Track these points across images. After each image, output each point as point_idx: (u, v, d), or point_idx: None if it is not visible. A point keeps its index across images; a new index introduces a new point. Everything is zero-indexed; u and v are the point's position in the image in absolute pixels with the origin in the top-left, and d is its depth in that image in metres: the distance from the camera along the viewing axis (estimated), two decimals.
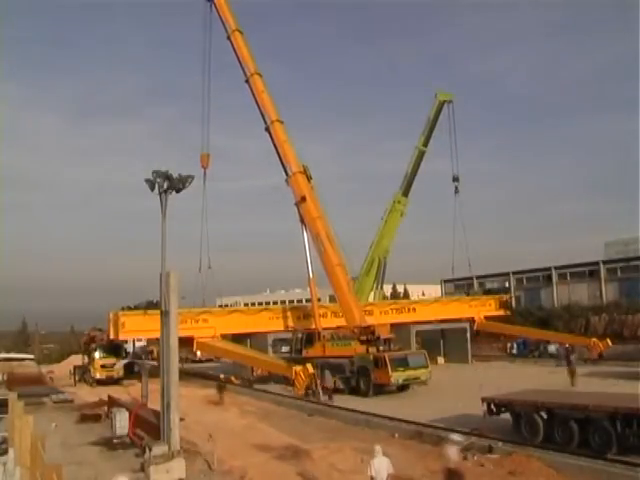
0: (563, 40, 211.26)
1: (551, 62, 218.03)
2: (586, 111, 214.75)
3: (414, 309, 50.05)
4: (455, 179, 54.47)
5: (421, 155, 52.84)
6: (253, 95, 40.63)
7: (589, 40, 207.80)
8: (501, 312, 52.92)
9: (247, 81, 40.98)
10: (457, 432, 15.88)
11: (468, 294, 63.99)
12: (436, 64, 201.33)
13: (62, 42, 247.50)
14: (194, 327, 39.62)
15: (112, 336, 39.77)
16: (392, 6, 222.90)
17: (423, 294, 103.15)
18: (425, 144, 52.92)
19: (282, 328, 42.45)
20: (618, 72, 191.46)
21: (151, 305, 34.53)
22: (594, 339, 42.67)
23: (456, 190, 54.32)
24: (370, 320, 42.35)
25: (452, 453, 10.53)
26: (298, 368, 30.61)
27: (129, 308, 61.50)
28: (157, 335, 19.56)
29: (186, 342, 38.76)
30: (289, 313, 43.56)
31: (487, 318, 51.70)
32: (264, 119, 40.32)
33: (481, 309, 52.42)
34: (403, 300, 67.44)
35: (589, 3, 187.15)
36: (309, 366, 30.63)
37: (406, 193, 52.28)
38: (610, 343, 42.27)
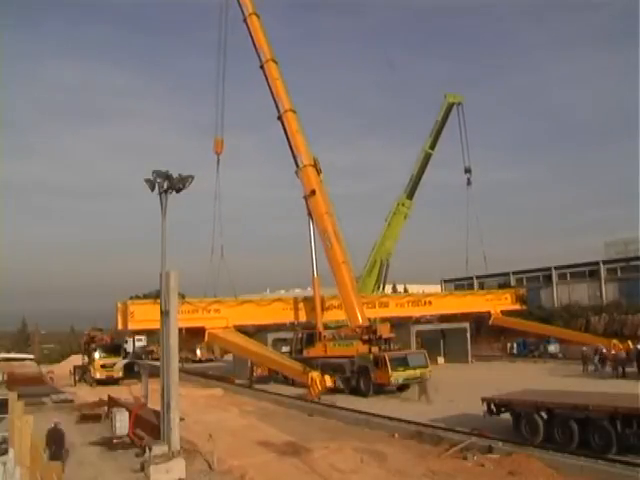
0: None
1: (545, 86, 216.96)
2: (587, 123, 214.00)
3: (430, 302, 49.48)
4: (467, 170, 54.10)
5: (427, 158, 52.77)
6: (267, 82, 40.05)
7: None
8: (517, 306, 52.69)
9: (262, 67, 40.28)
10: (457, 432, 15.90)
11: (483, 287, 63.52)
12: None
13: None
14: (205, 317, 38.61)
15: (120, 327, 38.64)
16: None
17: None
18: (432, 147, 52.78)
19: (295, 319, 41.94)
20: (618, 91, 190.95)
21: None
22: (614, 341, 41.35)
23: (468, 182, 54.16)
24: (384, 312, 42.02)
25: None
26: (314, 374, 29.45)
27: (137, 297, 60.44)
28: None
29: (197, 333, 38.07)
30: (302, 304, 42.39)
31: (503, 312, 51.39)
32: (277, 107, 39.81)
33: (497, 303, 52.00)
34: (419, 293, 66.76)
35: None
36: (327, 378, 29.37)
37: (411, 196, 52.17)
38: (631, 345, 40.66)
